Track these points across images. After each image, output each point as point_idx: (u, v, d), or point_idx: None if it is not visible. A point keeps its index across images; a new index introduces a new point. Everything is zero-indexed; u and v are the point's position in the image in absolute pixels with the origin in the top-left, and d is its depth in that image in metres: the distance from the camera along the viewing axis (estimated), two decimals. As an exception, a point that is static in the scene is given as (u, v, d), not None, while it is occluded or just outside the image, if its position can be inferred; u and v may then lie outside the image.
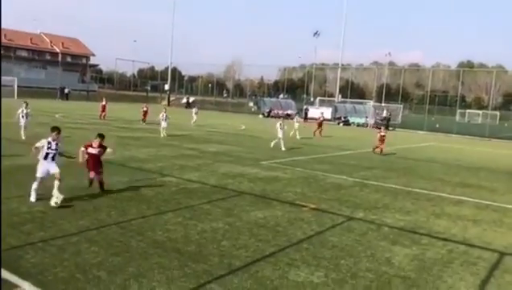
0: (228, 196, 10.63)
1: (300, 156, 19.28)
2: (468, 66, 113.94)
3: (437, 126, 49.90)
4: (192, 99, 72.20)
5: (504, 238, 8.74)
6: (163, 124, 23.81)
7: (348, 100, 62.47)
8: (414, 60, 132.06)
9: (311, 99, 68.06)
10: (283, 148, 20.68)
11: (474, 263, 7.11)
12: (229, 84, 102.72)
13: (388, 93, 69.69)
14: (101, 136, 9.95)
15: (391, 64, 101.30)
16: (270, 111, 58.86)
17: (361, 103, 60.22)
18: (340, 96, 66.60)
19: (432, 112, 60.36)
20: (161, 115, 24.02)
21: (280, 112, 58.10)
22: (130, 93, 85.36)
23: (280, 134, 21.11)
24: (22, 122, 18.60)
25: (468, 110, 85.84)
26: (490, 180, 16.44)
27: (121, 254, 6.36)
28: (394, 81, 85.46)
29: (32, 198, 8.68)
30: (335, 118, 53.81)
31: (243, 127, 35.49)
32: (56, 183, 8.53)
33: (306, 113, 54.52)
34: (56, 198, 8.38)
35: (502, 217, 10.59)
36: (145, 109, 31.91)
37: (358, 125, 51.59)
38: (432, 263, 6.97)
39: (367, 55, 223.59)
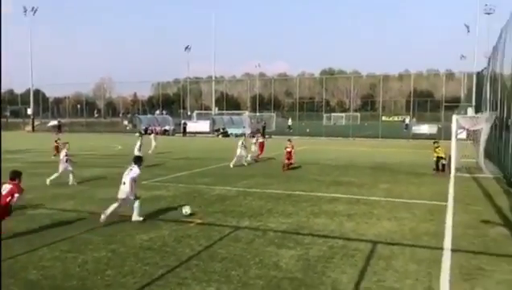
0: (109, 221, 10.05)
1: (182, 172, 19.09)
2: (329, 73, 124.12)
3: (308, 130, 53.35)
4: (54, 122, 66.79)
5: (375, 228, 9.62)
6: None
7: (225, 112, 63.72)
8: (282, 70, 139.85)
9: (189, 113, 68.02)
10: (245, 163, 21.48)
11: (352, 255, 7.70)
12: (100, 104, 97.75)
13: (261, 103, 72.60)
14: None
15: (261, 74, 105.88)
16: (146, 128, 57.35)
17: (238, 114, 61.83)
18: (216, 108, 67.64)
19: (302, 118, 64.37)
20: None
21: (158, 128, 57.01)
22: (-15, 120, 76.41)
23: (242, 152, 21.52)
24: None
25: (333, 114, 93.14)
26: (358, 176, 18.01)
27: (-11, 303, 5.63)
28: (266, 91, 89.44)
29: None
30: (214, 131, 54.50)
31: (119, 147, 34.00)
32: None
33: (184, 128, 54.29)
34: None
35: (371, 209, 11.65)
36: (56, 144, 25.85)
37: (237, 135, 52.82)
38: (316, 261, 7.38)
39: (239, 67, 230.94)
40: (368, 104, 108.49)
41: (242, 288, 6.21)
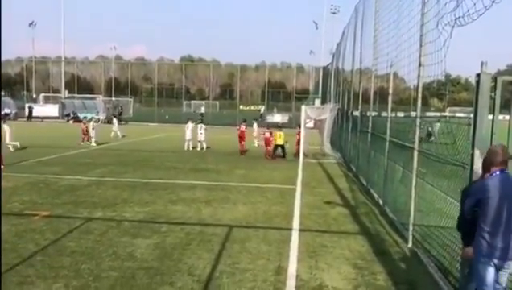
0: None
1: (26, 160, 17.30)
2: (189, 60, 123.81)
3: (167, 117, 52.60)
4: None
5: (231, 213, 9.93)
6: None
7: (77, 95, 59.41)
8: (139, 54, 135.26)
9: (34, 96, 61.74)
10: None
11: (209, 240, 7.84)
12: None
13: (117, 87, 69.28)
14: None
15: (118, 57, 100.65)
16: (-20, 112, 50.56)
17: (91, 98, 58.19)
18: (66, 91, 62.64)
19: (161, 104, 63.00)
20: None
21: (-4, 112, 50.71)
22: None
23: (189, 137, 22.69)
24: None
25: (192, 101, 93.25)
26: (215, 162, 18.37)
27: None
28: (122, 75, 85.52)
29: None
30: (64, 115, 50.59)
31: None
32: None
33: (30, 112, 49.43)
34: None
35: (228, 194, 12.00)
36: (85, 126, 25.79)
37: (89, 120, 49.77)
38: (173, 249, 7.34)
39: (92, 48, 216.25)
40: (226, 93, 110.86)
41: (94, 282, 5.88)
